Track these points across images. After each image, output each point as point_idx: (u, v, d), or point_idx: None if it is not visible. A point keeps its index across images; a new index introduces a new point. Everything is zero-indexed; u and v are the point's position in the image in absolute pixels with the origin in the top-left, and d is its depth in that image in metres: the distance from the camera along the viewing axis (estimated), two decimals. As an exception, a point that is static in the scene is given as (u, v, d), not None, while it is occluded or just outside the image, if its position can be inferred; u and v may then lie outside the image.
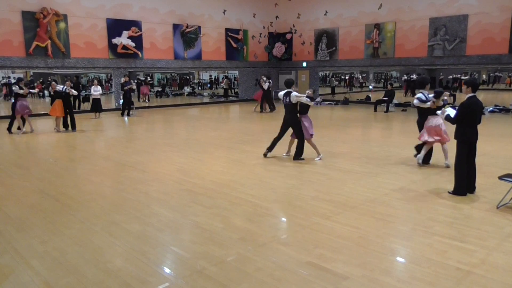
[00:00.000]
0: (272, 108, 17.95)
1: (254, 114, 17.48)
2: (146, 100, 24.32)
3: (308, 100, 7.88)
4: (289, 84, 8.09)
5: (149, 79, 30.52)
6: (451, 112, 5.90)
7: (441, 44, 18.17)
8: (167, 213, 5.31)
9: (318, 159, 8.25)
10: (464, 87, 5.80)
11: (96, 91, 16.19)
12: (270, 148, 8.46)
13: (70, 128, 12.79)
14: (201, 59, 21.54)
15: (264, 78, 17.83)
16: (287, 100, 7.99)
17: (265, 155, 8.49)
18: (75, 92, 13.34)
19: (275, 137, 8.41)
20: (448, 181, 6.43)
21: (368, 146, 9.85)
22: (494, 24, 16.65)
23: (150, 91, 27.55)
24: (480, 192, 5.97)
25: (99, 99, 16.37)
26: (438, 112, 6.15)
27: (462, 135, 5.75)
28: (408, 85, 25.22)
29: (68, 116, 12.78)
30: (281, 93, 8.21)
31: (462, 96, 5.95)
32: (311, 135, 8.17)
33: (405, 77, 25.45)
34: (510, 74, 26.00)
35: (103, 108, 17.01)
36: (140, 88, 25.13)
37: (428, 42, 18.59)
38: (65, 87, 12.55)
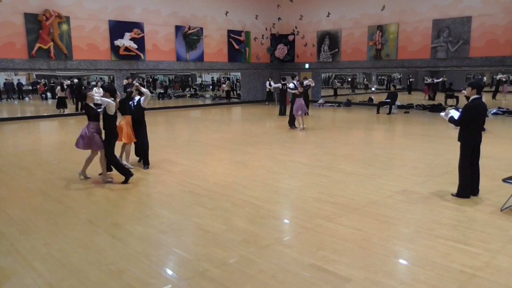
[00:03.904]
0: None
1: (257, 116, 17.49)
2: None
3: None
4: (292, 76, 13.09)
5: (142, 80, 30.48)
6: (455, 114, 5.86)
7: (444, 46, 18.13)
8: (170, 215, 5.31)
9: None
10: (468, 89, 5.75)
11: (97, 93, 16.25)
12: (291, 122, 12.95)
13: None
14: (203, 60, 21.57)
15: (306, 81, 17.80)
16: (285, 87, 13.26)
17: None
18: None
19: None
20: (451, 183, 6.40)
21: (371, 148, 9.83)
22: (498, 26, 16.60)
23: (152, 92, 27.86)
24: (484, 194, 5.94)
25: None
26: (442, 113, 6.11)
27: (466, 137, 5.71)
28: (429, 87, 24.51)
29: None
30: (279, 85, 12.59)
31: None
32: (305, 113, 12.86)
33: (428, 80, 24.76)
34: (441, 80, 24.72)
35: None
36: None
37: (431, 44, 18.56)
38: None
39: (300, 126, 12.80)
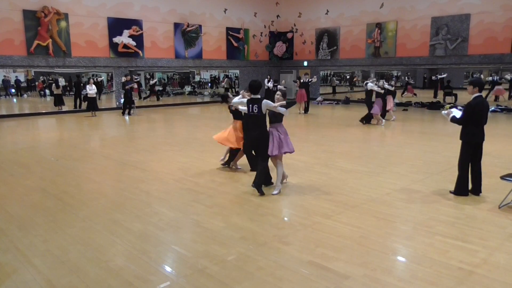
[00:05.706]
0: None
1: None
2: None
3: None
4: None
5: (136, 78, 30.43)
6: (457, 113, 5.82)
7: (443, 44, 18.13)
8: (168, 212, 5.31)
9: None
10: (470, 87, 5.71)
11: (91, 89, 16.33)
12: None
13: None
14: (202, 58, 21.54)
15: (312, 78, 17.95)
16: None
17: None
18: None
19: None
20: (450, 181, 6.41)
21: (369, 146, 9.84)
22: (497, 24, 16.61)
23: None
24: (482, 192, 5.93)
25: (94, 97, 16.65)
26: (443, 112, 6.07)
27: (468, 136, 5.65)
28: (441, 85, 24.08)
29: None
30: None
31: (467, 96, 5.91)
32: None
33: (411, 80, 24.47)
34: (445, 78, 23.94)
35: (103, 107, 17.09)
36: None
37: (429, 42, 18.56)
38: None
39: (384, 121, 13.53)
